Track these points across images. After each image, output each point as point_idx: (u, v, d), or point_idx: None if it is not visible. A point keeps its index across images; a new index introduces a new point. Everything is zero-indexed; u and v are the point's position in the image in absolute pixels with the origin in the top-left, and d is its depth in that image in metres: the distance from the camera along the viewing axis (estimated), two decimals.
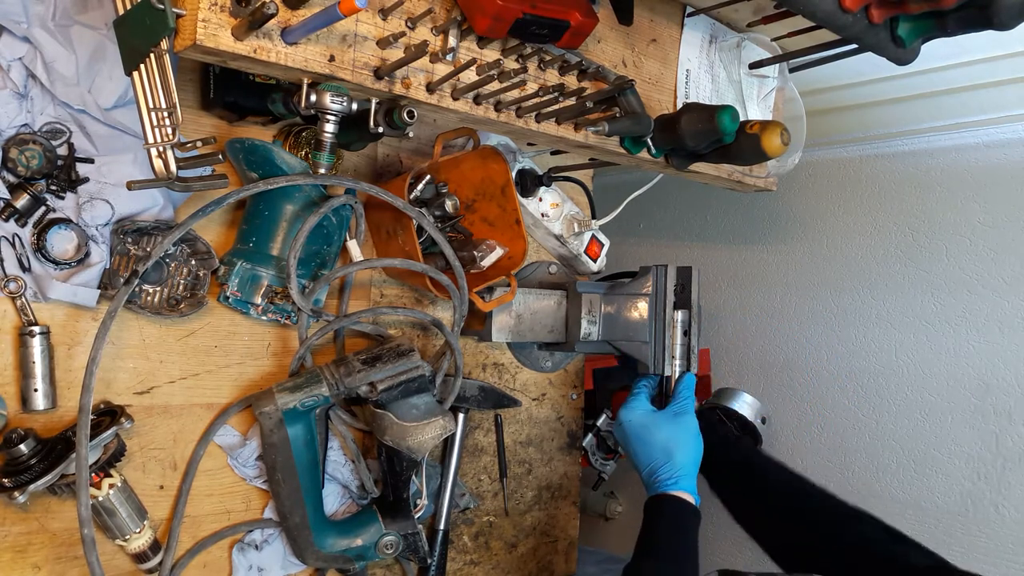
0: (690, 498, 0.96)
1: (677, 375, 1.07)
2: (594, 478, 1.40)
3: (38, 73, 0.71)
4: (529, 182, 1.10)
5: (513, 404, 1.14)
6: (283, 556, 0.91)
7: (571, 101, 0.80)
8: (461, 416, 1.07)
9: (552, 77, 0.81)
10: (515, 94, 0.76)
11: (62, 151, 0.74)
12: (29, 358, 0.73)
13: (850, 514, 0.95)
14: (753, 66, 1.01)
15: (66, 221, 0.74)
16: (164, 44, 0.59)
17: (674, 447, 0.98)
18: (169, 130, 0.64)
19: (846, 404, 1.39)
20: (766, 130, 0.80)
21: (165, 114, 0.63)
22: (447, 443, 1.07)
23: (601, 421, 1.33)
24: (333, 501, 0.95)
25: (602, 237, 1.23)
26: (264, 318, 0.87)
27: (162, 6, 0.56)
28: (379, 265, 0.94)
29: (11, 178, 0.72)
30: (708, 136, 0.81)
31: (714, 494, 1.07)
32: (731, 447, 1.09)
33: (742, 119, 0.81)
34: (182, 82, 0.81)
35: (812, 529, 0.96)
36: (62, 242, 0.74)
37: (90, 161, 0.75)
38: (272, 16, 0.55)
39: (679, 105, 0.95)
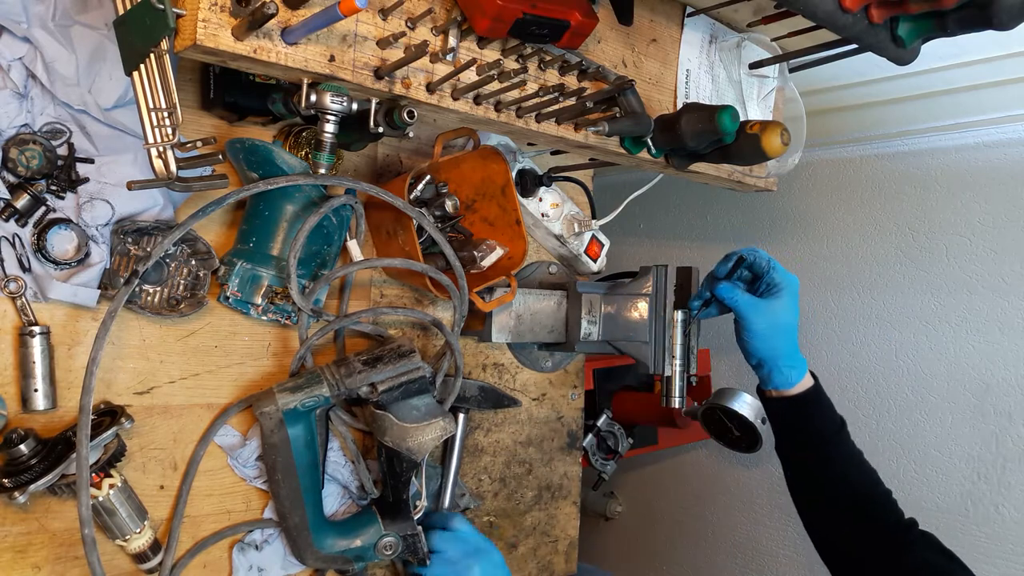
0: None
1: (680, 385, 1.06)
2: (594, 478, 1.41)
3: (38, 73, 0.71)
4: (529, 182, 1.10)
5: (513, 404, 1.14)
6: (283, 556, 0.91)
7: (571, 101, 0.80)
8: (461, 416, 1.07)
9: (552, 77, 0.81)
10: (515, 94, 0.76)
11: (62, 151, 0.74)
12: (29, 358, 0.73)
13: (914, 539, 0.93)
14: (753, 66, 1.01)
15: (66, 221, 0.74)
16: (164, 44, 0.59)
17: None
18: (169, 130, 0.64)
19: (846, 404, 1.39)
20: (766, 130, 0.80)
21: (165, 114, 0.63)
22: (447, 443, 1.07)
23: (601, 421, 1.34)
24: (333, 502, 0.95)
25: (602, 237, 1.23)
26: (264, 318, 0.87)
27: (162, 6, 0.56)
28: (379, 265, 0.94)
29: (11, 178, 0.72)
30: (708, 136, 0.81)
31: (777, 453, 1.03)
32: (826, 416, 1.01)
33: (742, 119, 0.81)
34: (182, 82, 0.81)
35: (873, 543, 0.93)
36: (62, 242, 0.74)
37: (90, 161, 0.75)
38: (272, 16, 0.55)
39: (679, 105, 0.95)
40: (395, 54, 0.68)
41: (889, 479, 1.31)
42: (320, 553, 0.88)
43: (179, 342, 0.84)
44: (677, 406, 1.07)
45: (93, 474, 0.73)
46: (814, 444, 0.98)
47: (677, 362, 1.07)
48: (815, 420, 0.98)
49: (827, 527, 0.97)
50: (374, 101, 0.70)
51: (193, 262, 0.82)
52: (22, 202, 0.72)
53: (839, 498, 0.96)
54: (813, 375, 1.00)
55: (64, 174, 0.74)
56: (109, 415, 0.77)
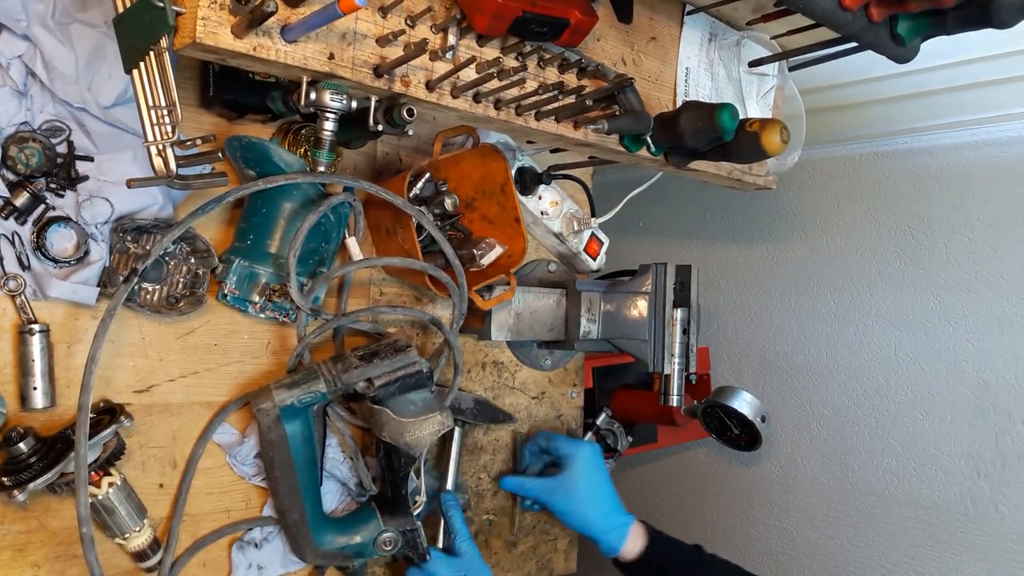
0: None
1: (678, 383, 1.06)
2: None
3: (38, 71, 0.71)
4: (529, 180, 1.10)
5: (508, 420, 1.13)
6: (282, 554, 0.91)
7: (570, 99, 0.80)
8: (458, 430, 1.06)
9: (551, 75, 0.81)
10: (514, 92, 0.76)
11: (62, 149, 0.74)
12: (28, 356, 0.73)
13: None
14: (753, 64, 1.01)
15: (66, 219, 0.74)
16: (164, 42, 0.59)
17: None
18: (169, 128, 0.64)
19: (846, 402, 1.39)
20: (765, 128, 0.80)
21: (165, 112, 0.63)
22: (444, 449, 1.07)
23: (601, 419, 1.33)
24: (332, 498, 0.95)
25: (601, 235, 1.23)
26: (262, 316, 0.87)
27: (162, 4, 0.56)
28: (378, 264, 0.94)
29: (11, 176, 0.72)
30: (708, 134, 0.81)
31: None
32: (676, 559, 0.99)
33: (741, 117, 0.81)
34: (182, 80, 0.81)
35: None
36: (61, 240, 0.74)
37: (90, 159, 0.75)
38: (272, 14, 0.55)
39: (679, 103, 0.95)
40: (394, 52, 0.68)
41: (889, 478, 1.32)
42: (320, 550, 0.88)
43: (178, 340, 0.84)
44: (676, 404, 1.07)
45: (92, 472, 0.73)
46: None
47: (676, 360, 1.06)
48: (668, 573, 0.97)
49: None
50: (373, 99, 0.70)
51: (192, 260, 0.82)
52: (21, 200, 0.72)
53: None
54: (643, 523, 0.99)
55: (63, 172, 0.74)
56: (108, 413, 0.77)
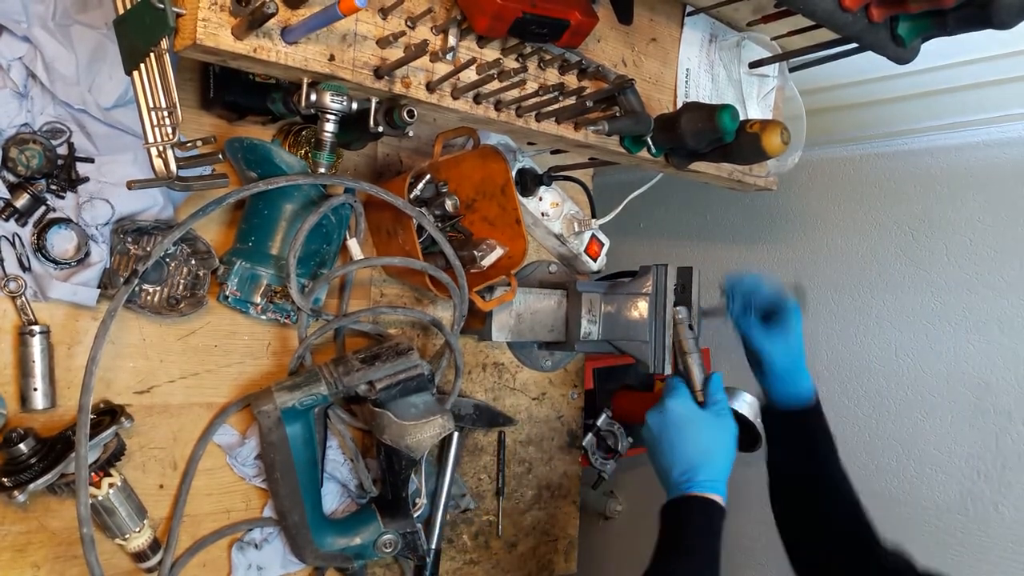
0: (723, 502, 0.92)
1: (701, 378, 1.05)
2: (594, 477, 1.40)
3: (38, 73, 0.71)
4: (529, 181, 1.10)
5: (508, 423, 1.14)
6: (282, 555, 0.91)
7: (571, 100, 0.80)
8: (456, 435, 1.06)
9: (552, 76, 0.81)
10: (515, 93, 0.76)
11: (62, 151, 0.74)
12: (29, 357, 0.73)
13: None
14: (753, 65, 1.01)
15: (66, 221, 0.74)
16: (164, 43, 0.59)
17: (715, 449, 0.95)
18: (169, 129, 0.64)
19: (846, 403, 1.39)
20: (766, 129, 0.80)
21: (165, 113, 0.63)
22: (443, 453, 1.07)
23: (601, 420, 1.33)
24: (332, 500, 0.95)
25: (602, 236, 1.23)
26: (263, 317, 0.87)
27: (162, 5, 0.56)
28: (379, 264, 0.94)
29: (11, 178, 0.72)
30: (708, 135, 0.81)
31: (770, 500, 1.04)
32: (805, 457, 1.06)
33: (742, 118, 0.81)
34: (182, 81, 0.81)
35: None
36: (62, 242, 0.74)
37: (90, 161, 0.75)
38: (272, 15, 0.55)
39: (679, 104, 0.95)
40: (395, 53, 0.68)
41: (889, 478, 1.32)
42: (320, 551, 0.88)
43: (179, 341, 0.84)
44: None
45: (92, 473, 0.73)
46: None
47: (694, 357, 1.06)
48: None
49: (817, 546, 0.99)
50: (374, 100, 0.70)
51: (193, 261, 0.82)
52: (22, 201, 0.72)
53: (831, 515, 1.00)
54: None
55: (64, 173, 0.74)
56: (109, 414, 0.77)
